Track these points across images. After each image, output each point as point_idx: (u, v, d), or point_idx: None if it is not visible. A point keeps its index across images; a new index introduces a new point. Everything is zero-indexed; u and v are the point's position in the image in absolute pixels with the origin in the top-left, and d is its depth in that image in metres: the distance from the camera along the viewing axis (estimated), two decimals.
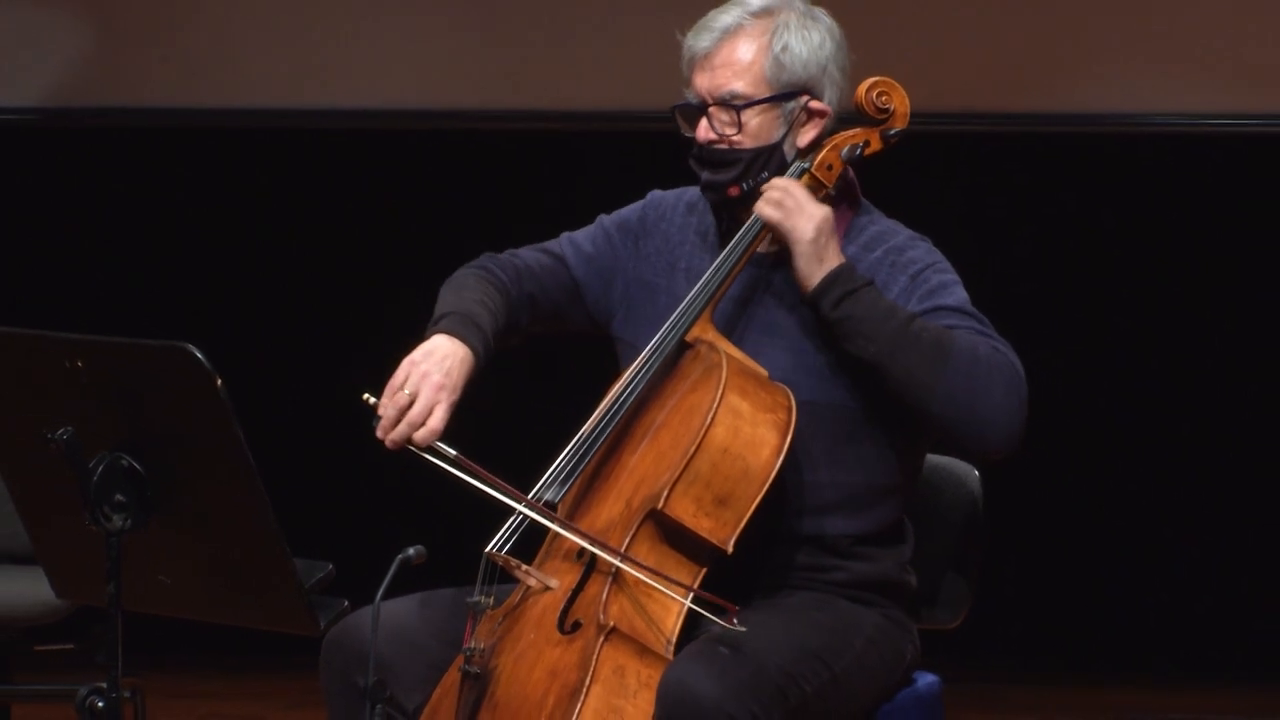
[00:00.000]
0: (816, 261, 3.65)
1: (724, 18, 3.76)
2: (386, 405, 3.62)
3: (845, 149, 3.75)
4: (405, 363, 3.66)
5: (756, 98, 3.73)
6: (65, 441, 3.25)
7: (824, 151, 3.74)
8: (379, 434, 3.63)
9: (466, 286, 3.81)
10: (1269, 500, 6.99)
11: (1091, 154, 6.96)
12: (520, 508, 3.58)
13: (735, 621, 3.46)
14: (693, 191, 3.88)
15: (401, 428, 3.61)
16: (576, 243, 3.91)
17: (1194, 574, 7.02)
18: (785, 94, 3.74)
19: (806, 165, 3.73)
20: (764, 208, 3.68)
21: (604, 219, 3.94)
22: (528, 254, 3.90)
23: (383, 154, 7.16)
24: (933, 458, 3.98)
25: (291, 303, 7.19)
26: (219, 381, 3.19)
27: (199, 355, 3.19)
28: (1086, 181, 7.01)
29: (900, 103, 3.77)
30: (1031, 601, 6.91)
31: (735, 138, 3.74)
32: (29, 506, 3.45)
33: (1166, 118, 6.60)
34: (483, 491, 3.55)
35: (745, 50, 3.74)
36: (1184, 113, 6.57)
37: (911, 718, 3.80)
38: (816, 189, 3.73)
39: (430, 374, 3.63)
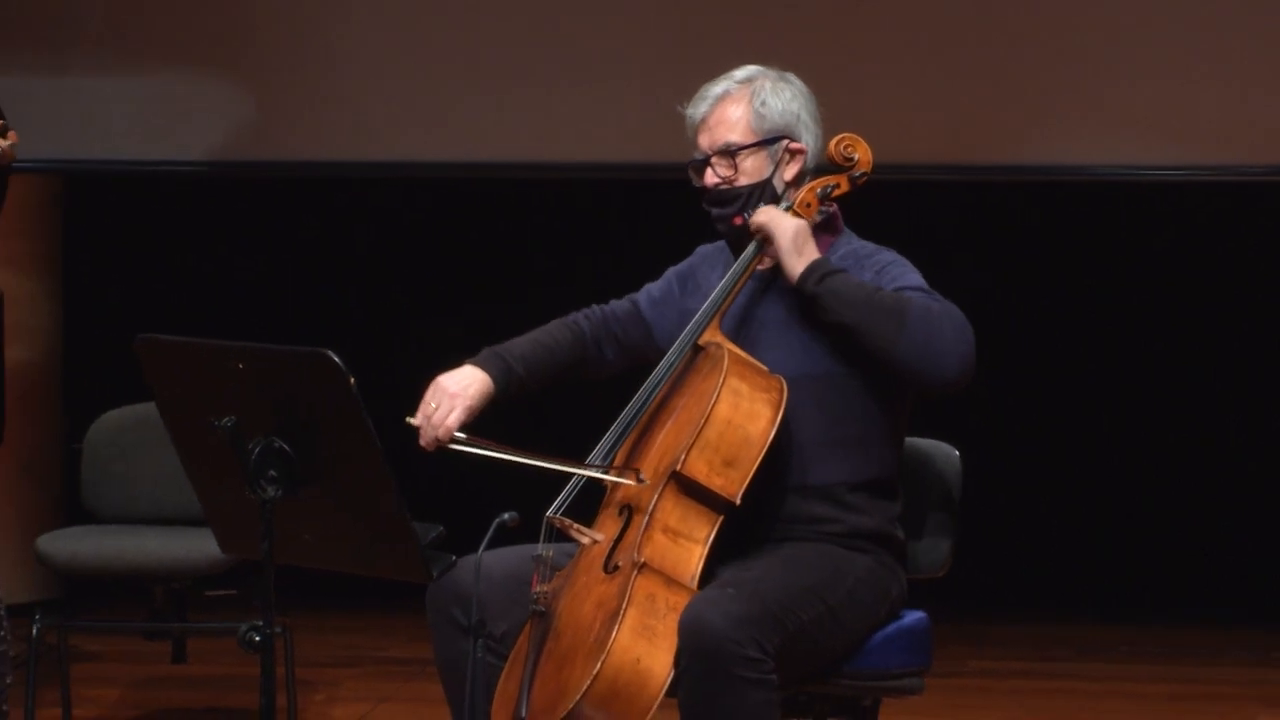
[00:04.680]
0: (796, 255, 3.73)
1: (715, 88, 3.87)
2: (419, 418, 3.74)
3: (820, 189, 3.83)
4: (431, 385, 3.78)
5: (747, 143, 3.82)
6: (229, 428, 3.28)
7: (803, 192, 3.82)
8: (420, 442, 3.74)
9: (539, 329, 3.93)
10: (1186, 474, 7.01)
11: (1037, 198, 6.94)
12: (540, 464, 3.65)
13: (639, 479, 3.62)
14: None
15: (427, 430, 3.72)
16: (650, 291, 4.01)
17: (1136, 532, 7.02)
18: (769, 139, 3.83)
19: (790, 204, 3.82)
20: (754, 216, 3.78)
21: (669, 271, 4.04)
22: (616, 303, 4.01)
23: (482, 201, 7.17)
24: (920, 442, 4.00)
25: (405, 314, 7.22)
26: (351, 380, 3.22)
27: (336, 359, 3.22)
28: (1035, 220, 7.01)
29: (863, 152, 3.85)
30: (1008, 556, 6.90)
31: (734, 178, 3.82)
32: (200, 479, 3.49)
33: (1106, 169, 6.50)
34: (518, 464, 3.63)
35: (733, 110, 3.84)
36: (1124, 165, 6.48)
37: (901, 645, 3.80)
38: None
39: (447, 388, 3.76)
